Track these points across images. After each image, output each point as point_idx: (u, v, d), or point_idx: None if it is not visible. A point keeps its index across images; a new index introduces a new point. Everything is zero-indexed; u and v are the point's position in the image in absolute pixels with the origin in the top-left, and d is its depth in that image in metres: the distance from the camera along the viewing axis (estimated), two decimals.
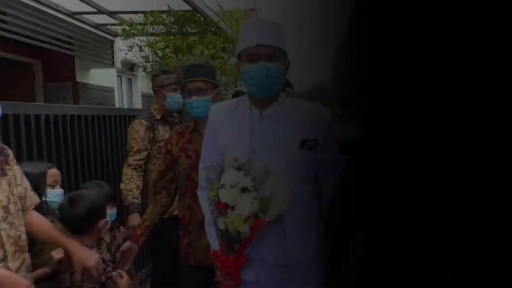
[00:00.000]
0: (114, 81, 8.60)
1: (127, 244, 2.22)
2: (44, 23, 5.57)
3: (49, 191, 2.16)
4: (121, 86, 9.27)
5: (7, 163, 1.69)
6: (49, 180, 2.18)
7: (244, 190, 1.46)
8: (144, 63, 6.43)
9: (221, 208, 1.48)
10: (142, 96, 10.04)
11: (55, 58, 6.71)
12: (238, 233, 1.47)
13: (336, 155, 1.72)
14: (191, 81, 2.30)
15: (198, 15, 5.83)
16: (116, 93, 8.64)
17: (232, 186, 1.46)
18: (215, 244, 1.66)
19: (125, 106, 9.09)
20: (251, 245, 1.59)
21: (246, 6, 16.42)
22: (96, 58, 7.08)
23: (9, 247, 1.58)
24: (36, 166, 2.19)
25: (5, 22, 4.97)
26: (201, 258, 2.24)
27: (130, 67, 9.22)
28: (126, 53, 6.05)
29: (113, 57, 7.46)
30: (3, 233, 1.57)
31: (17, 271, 1.61)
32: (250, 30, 1.65)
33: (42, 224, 1.84)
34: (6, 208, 1.60)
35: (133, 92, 9.87)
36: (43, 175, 2.15)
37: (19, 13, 5.11)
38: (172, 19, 5.80)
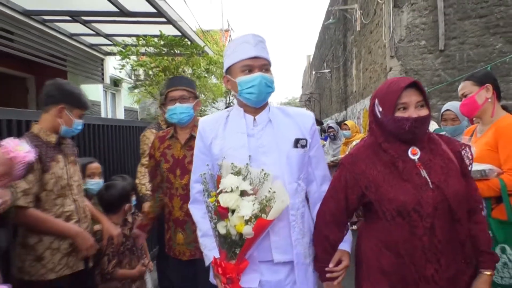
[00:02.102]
0: (100, 96, 9.20)
1: (137, 231, 2.66)
2: (46, 42, 6.15)
3: (87, 180, 2.83)
4: (106, 100, 9.86)
5: (76, 156, 2.40)
6: (88, 172, 2.86)
7: (243, 193, 1.49)
8: (135, 81, 7.09)
9: (221, 212, 1.50)
10: (125, 110, 10.66)
11: (48, 73, 7.22)
12: (240, 236, 1.48)
13: (321, 153, 1.83)
14: (175, 89, 2.45)
15: (186, 39, 6.60)
16: (102, 107, 9.24)
17: (232, 190, 1.48)
18: (214, 252, 1.67)
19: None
20: (257, 246, 1.60)
21: (221, 27, 17.42)
22: (87, 74, 7.68)
23: (81, 214, 2.28)
24: (80, 160, 2.87)
25: (11, 40, 5.53)
26: (177, 253, 2.44)
27: (115, 83, 9.84)
28: (120, 71, 6.68)
29: (103, 74, 8.11)
30: (78, 203, 2.26)
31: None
32: (244, 44, 1.64)
33: (87, 203, 2.54)
34: (78, 187, 2.31)
35: (117, 106, 10.45)
36: (84, 167, 2.82)
37: (25, 33, 5.68)
38: (162, 42, 6.51)
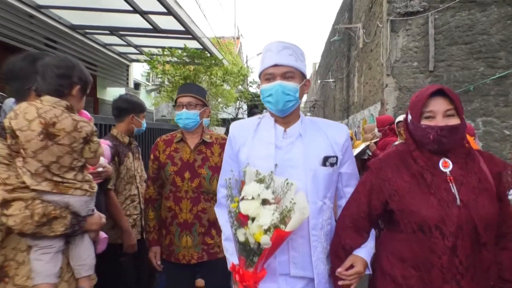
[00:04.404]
0: None
1: (151, 254, 2.51)
2: (83, 51, 6.97)
3: None
4: None
5: (139, 154, 3.19)
6: None
7: (264, 202, 1.44)
8: (159, 86, 7.93)
9: (242, 219, 1.47)
10: None
11: None
12: (258, 245, 1.44)
13: (353, 169, 1.73)
14: (184, 96, 2.47)
15: (206, 52, 7.42)
16: None
17: (253, 198, 1.44)
18: (233, 258, 1.64)
19: None
20: (275, 260, 1.57)
21: (234, 35, 18.29)
22: (114, 79, 8.51)
23: (141, 198, 3.06)
24: None
25: (55, 49, 6.33)
26: (180, 257, 2.40)
27: (135, 86, 10.70)
28: (147, 78, 7.50)
29: (127, 79, 8.95)
30: (139, 189, 3.04)
31: None
32: (268, 52, 1.62)
33: None
34: (140, 177, 3.10)
35: None
36: None
37: (67, 43, 6.50)
38: (185, 54, 7.33)
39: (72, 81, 1.72)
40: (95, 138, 1.76)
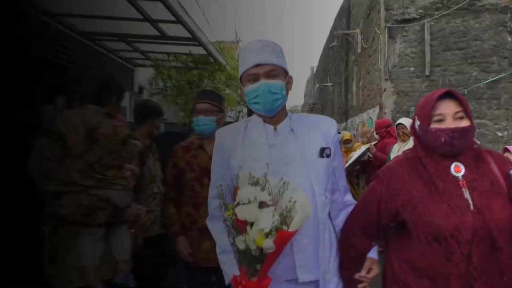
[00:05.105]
0: (127, 102, 10.27)
1: (181, 254, 2.53)
2: (90, 56, 7.18)
3: None
4: (131, 105, 10.95)
5: (157, 156, 3.42)
6: None
7: (261, 204, 1.39)
8: (163, 90, 8.19)
9: (240, 225, 1.39)
10: None
11: None
12: (261, 250, 1.36)
13: (342, 163, 1.76)
14: (201, 102, 2.53)
15: (211, 58, 7.67)
16: (127, 112, 10.34)
17: (249, 202, 1.38)
18: (233, 270, 1.53)
19: None
20: (279, 264, 1.48)
21: (234, 39, 18.56)
22: None
23: (160, 196, 3.29)
24: None
25: (64, 53, 6.54)
26: (200, 260, 2.45)
27: (139, 90, 10.92)
28: (150, 83, 7.73)
29: (132, 83, 9.18)
30: (159, 188, 3.27)
31: None
32: (248, 52, 1.58)
33: None
34: (159, 177, 3.33)
35: None
36: None
37: (76, 48, 6.71)
38: (190, 59, 7.59)
39: (110, 91, 1.97)
40: (131, 140, 2.00)
